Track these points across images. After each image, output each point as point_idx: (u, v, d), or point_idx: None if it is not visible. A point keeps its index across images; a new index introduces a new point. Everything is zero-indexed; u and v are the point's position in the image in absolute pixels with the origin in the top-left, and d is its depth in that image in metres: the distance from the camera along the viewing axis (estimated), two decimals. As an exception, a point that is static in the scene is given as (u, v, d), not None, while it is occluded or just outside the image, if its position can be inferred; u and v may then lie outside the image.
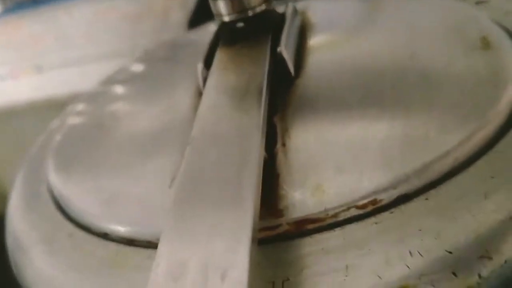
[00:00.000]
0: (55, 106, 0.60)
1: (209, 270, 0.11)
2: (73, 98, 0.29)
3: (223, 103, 0.17)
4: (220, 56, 0.19)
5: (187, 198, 0.13)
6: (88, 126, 0.23)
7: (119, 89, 0.26)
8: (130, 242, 0.16)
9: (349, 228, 0.14)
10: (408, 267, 0.13)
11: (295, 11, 0.22)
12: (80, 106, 0.26)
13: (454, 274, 0.13)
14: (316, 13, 0.25)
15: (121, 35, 0.56)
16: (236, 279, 0.11)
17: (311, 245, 0.14)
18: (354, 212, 0.14)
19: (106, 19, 0.56)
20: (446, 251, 0.13)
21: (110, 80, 0.27)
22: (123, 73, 0.28)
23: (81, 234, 0.17)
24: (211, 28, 0.30)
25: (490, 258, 0.13)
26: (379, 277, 0.13)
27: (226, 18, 0.20)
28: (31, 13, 0.59)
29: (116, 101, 0.25)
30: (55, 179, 0.20)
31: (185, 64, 0.25)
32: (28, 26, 0.59)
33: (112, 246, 0.16)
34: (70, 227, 0.18)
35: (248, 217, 0.12)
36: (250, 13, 0.20)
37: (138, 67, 0.27)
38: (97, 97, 0.26)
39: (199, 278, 0.11)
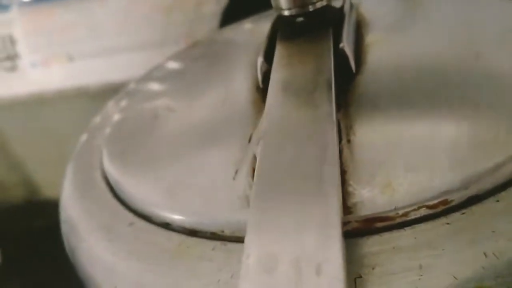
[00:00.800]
0: (85, 95, 0.61)
1: (303, 264, 0.11)
2: (123, 85, 0.29)
3: (291, 98, 0.17)
4: (281, 50, 0.19)
5: (269, 191, 0.13)
6: (141, 115, 0.23)
7: (168, 80, 0.26)
8: (193, 233, 0.16)
9: (420, 227, 0.14)
10: (483, 268, 0.13)
11: (351, 6, 0.22)
12: (131, 94, 0.26)
13: (532, 276, 0.13)
14: (369, 8, 0.25)
15: (153, 26, 0.56)
16: (333, 275, 0.11)
17: (381, 244, 0.14)
18: (424, 212, 0.14)
19: (138, 9, 0.56)
20: (523, 252, 0.13)
21: (158, 71, 0.27)
22: (171, 64, 0.28)
23: (141, 223, 0.18)
24: (246, 26, 0.30)
25: None
26: (455, 278, 0.13)
27: (286, 12, 0.20)
28: (64, 2, 0.59)
29: (168, 91, 0.25)
30: (111, 167, 0.20)
31: (234, 60, 0.25)
32: (60, 15, 0.60)
33: (175, 236, 0.17)
34: (130, 216, 0.18)
35: (335, 212, 0.12)
36: (310, 8, 0.20)
37: (185, 61, 0.28)
38: (148, 86, 0.26)
39: (293, 272, 0.11)
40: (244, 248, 0.12)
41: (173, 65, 0.28)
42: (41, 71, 0.61)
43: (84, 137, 0.25)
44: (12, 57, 0.62)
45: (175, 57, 0.30)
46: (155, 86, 0.26)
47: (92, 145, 0.24)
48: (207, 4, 0.54)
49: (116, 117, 0.24)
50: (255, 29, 0.29)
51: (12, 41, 0.61)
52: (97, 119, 0.26)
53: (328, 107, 0.16)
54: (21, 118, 0.65)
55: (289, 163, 0.14)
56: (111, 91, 0.60)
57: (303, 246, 0.12)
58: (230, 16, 0.51)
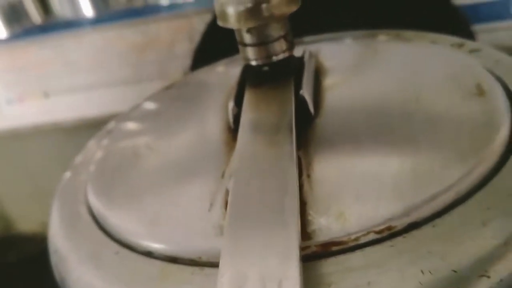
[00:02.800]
0: (60, 131, 0.63)
1: (267, 281, 0.13)
2: (106, 122, 0.31)
3: (258, 138, 0.19)
4: (249, 96, 0.22)
5: (239, 221, 0.16)
6: (122, 153, 0.25)
7: (146, 120, 0.28)
8: (173, 260, 0.18)
9: (369, 250, 0.17)
10: (420, 283, 0.15)
11: (311, 56, 0.25)
12: (112, 133, 0.28)
13: (459, 290, 0.15)
14: (326, 56, 0.27)
15: (127, 64, 0.58)
16: (291, 286, 0.13)
17: (336, 265, 0.16)
18: (372, 236, 0.17)
19: (113, 47, 0.58)
20: (452, 270, 0.15)
21: (136, 111, 0.30)
22: (148, 105, 0.30)
23: (126, 252, 0.20)
24: (218, 69, 0.33)
25: (488, 277, 0.15)
26: (397, 292, 0.15)
27: (253, 63, 0.23)
28: (39, 40, 0.61)
29: (146, 131, 0.27)
30: (96, 201, 0.22)
31: (208, 102, 0.27)
32: (35, 52, 0.61)
33: (157, 263, 0.19)
34: (115, 246, 0.20)
35: (294, 238, 0.15)
36: (274, 58, 0.23)
37: (162, 102, 0.30)
38: (127, 125, 0.28)
39: (259, 286, 0.13)
40: (219, 269, 0.14)
41: (150, 105, 0.31)
42: (16, 107, 0.63)
43: (67, 174, 0.27)
44: (-13, 94, 0.63)
45: (151, 98, 0.32)
46: (134, 126, 0.28)
47: (76, 182, 0.26)
48: (180, 44, 0.56)
49: (99, 155, 0.26)
50: (225, 73, 0.32)
51: (-13, 77, 0.63)
52: (79, 157, 0.28)
53: (289, 146, 0.19)
54: (-5, 152, 0.66)
55: (256, 196, 0.17)
56: (86, 126, 0.62)
57: (268, 266, 0.14)
58: (202, 55, 0.54)
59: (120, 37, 0.59)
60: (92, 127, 0.62)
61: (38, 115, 0.62)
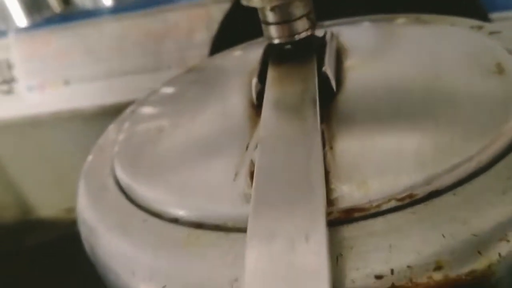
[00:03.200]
0: (79, 118, 0.64)
1: (295, 236, 0.14)
2: (130, 103, 0.32)
3: (283, 113, 0.20)
4: (272, 73, 0.23)
5: (266, 187, 0.16)
6: (146, 130, 0.26)
7: (168, 102, 0.29)
8: (199, 226, 0.19)
9: (390, 216, 0.17)
10: (441, 246, 0.16)
11: (332, 36, 0.25)
12: (133, 116, 0.29)
13: (479, 252, 0.16)
14: (347, 38, 0.28)
15: (146, 52, 0.59)
16: (318, 240, 0.14)
17: (358, 230, 0.17)
18: (394, 203, 0.17)
19: (132, 35, 0.59)
20: (473, 234, 0.16)
21: (156, 95, 0.30)
22: (168, 88, 0.31)
23: (153, 220, 0.20)
24: (236, 53, 0.34)
25: (508, 241, 0.16)
26: (418, 253, 0.16)
27: (276, 41, 0.24)
28: (60, 28, 0.62)
29: (169, 110, 0.28)
30: (124, 173, 0.23)
31: (228, 82, 0.28)
32: (56, 41, 0.62)
33: (184, 229, 0.19)
34: (142, 214, 0.21)
35: (320, 202, 0.15)
36: (297, 37, 0.23)
37: (182, 84, 0.30)
38: (148, 107, 0.29)
39: (287, 241, 0.14)
40: (248, 229, 0.15)
41: (169, 89, 0.31)
42: (37, 95, 0.64)
43: (90, 155, 0.27)
44: (9, 81, 0.64)
45: (170, 82, 0.32)
46: (155, 107, 0.29)
47: (100, 159, 0.26)
48: (198, 32, 0.57)
49: (123, 134, 0.27)
50: (243, 57, 0.32)
51: (9, 65, 0.64)
52: (101, 140, 0.29)
53: (314, 119, 0.19)
54: (16, 140, 0.67)
55: (282, 164, 0.17)
56: (105, 113, 0.64)
57: (295, 225, 0.14)
58: (219, 43, 0.54)
59: (139, 26, 0.59)
60: (111, 114, 0.63)
61: (58, 103, 0.63)
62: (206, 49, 0.56)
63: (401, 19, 0.31)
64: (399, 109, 0.21)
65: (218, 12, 0.56)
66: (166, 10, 0.58)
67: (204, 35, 0.57)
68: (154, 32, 0.59)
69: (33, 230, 0.71)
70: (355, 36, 0.29)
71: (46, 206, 0.71)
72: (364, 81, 0.24)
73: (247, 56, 0.32)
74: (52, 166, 0.68)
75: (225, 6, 0.54)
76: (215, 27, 0.55)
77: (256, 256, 0.14)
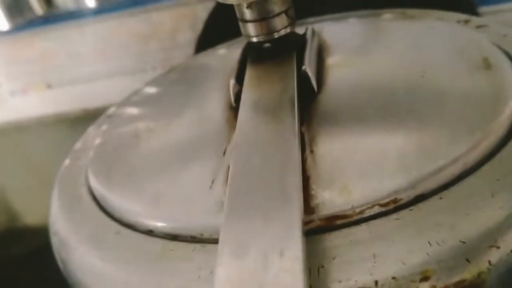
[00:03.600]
0: (64, 122, 0.62)
1: (268, 251, 0.13)
2: (102, 111, 0.31)
3: (260, 114, 0.19)
4: (250, 73, 0.22)
5: (240, 195, 0.15)
6: (123, 135, 0.25)
7: (147, 103, 0.28)
8: (174, 237, 0.18)
9: (374, 223, 0.16)
10: (428, 254, 0.15)
11: (313, 33, 0.24)
12: (112, 118, 0.28)
13: (468, 260, 0.15)
14: (330, 35, 0.27)
15: (130, 53, 0.58)
16: (293, 255, 0.13)
17: (341, 238, 0.16)
18: (377, 209, 0.17)
19: (116, 37, 0.58)
20: (460, 241, 0.15)
21: (136, 96, 0.29)
22: (148, 89, 0.30)
23: (127, 231, 0.19)
24: (218, 52, 0.33)
25: (498, 247, 0.15)
26: (403, 263, 0.15)
27: (254, 39, 0.23)
28: (42, 31, 0.61)
29: (147, 113, 0.27)
30: (97, 183, 0.22)
31: (209, 83, 0.27)
32: (38, 44, 0.61)
33: (158, 241, 0.18)
34: (115, 225, 0.20)
35: (296, 211, 0.14)
36: (276, 35, 0.22)
37: (162, 85, 0.29)
38: (127, 109, 0.28)
39: (260, 257, 0.13)
40: (219, 243, 0.14)
41: (150, 89, 0.30)
42: (20, 99, 0.63)
43: (67, 160, 0.26)
44: (-9, 86, 0.63)
45: (152, 82, 0.31)
46: (134, 109, 0.28)
47: (76, 165, 0.25)
48: (182, 32, 0.56)
49: (99, 138, 0.26)
50: (226, 55, 0.31)
51: (-9, 70, 0.63)
52: (79, 143, 0.28)
53: (291, 121, 0.18)
54: (0, 145, 0.66)
55: (257, 170, 0.16)
56: (90, 117, 0.62)
57: (269, 238, 0.13)
58: (204, 43, 0.53)
59: (123, 26, 0.58)
60: (96, 118, 0.62)
61: (41, 107, 0.62)
62: (191, 49, 0.55)
63: (386, 14, 0.30)
64: (383, 108, 0.20)
65: (203, 12, 0.54)
66: (150, 10, 0.57)
67: (189, 35, 0.56)
68: (138, 33, 0.58)
69: (19, 237, 0.70)
70: (338, 32, 0.28)
71: (32, 213, 0.70)
72: (346, 80, 0.23)
73: (229, 55, 0.31)
74: (37, 171, 0.67)
75: (210, 5, 0.53)
76: (200, 26, 0.54)
77: (226, 274, 0.13)
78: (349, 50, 0.25)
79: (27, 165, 0.67)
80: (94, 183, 0.22)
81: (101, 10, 0.60)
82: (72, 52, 0.60)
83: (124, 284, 0.18)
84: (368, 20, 0.30)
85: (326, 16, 0.32)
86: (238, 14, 0.23)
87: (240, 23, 0.23)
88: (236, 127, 0.19)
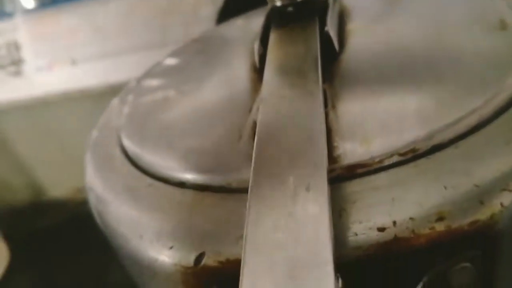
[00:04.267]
0: (88, 97, 0.64)
1: (296, 186, 0.14)
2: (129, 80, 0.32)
3: (285, 73, 0.20)
4: (274, 35, 0.23)
5: (268, 142, 0.16)
6: (151, 99, 0.26)
7: (172, 71, 0.29)
8: (205, 188, 0.19)
9: (393, 171, 0.17)
10: (443, 197, 0.16)
11: (337, -1, 0.25)
12: (136, 88, 0.29)
13: (481, 202, 0.16)
14: (351, 1, 0.28)
15: (153, 28, 0.59)
16: (319, 189, 0.14)
17: (361, 185, 0.17)
18: (396, 158, 0.17)
19: (138, 13, 0.59)
20: (475, 185, 0.16)
21: (159, 67, 0.30)
22: (171, 59, 0.31)
23: (159, 184, 0.21)
24: (239, 22, 0.33)
25: (510, 191, 0.16)
26: (420, 205, 0.16)
27: (278, 3, 0.23)
28: (67, 7, 0.62)
29: (173, 79, 0.28)
30: (130, 141, 0.23)
31: (232, 49, 0.28)
32: (64, 20, 0.62)
33: (189, 192, 0.19)
34: (148, 179, 0.21)
35: (321, 153, 0.15)
36: (298, 0, 0.23)
37: (185, 55, 0.31)
38: (152, 78, 0.29)
39: (289, 192, 0.14)
40: (250, 181, 0.15)
41: (174, 59, 0.31)
42: (45, 75, 0.64)
43: (97, 127, 0.27)
44: (17, 62, 0.65)
45: (174, 53, 0.32)
46: (160, 78, 0.29)
47: (107, 130, 0.27)
48: (204, 7, 0.57)
49: (128, 105, 0.27)
50: (246, 25, 0.32)
51: (16, 46, 0.64)
52: (106, 113, 0.29)
53: (315, 77, 0.19)
54: (26, 121, 0.68)
55: (284, 120, 0.17)
56: (114, 92, 0.63)
57: (296, 175, 0.15)
58: (225, 17, 0.54)
59: (145, 2, 0.59)
60: (119, 92, 0.63)
61: (66, 82, 0.64)
62: (212, 23, 0.56)
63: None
64: (402, 67, 0.21)
65: (223, -14, 0.55)
66: (171, -15, 0.58)
67: (210, 9, 0.56)
68: (160, 8, 0.58)
69: (45, 211, 0.72)
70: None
71: (57, 187, 0.72)
72: (366, 42, 0.23)
73: (251, 24, 0.32)
74: (61, 146, 0.69)
75: (230, -20, 0.54)
76: (220, 1, 0.55)
77: (258, 205, 0.14)
78: (368, 14, 0.26)
79: (52, 140, 0.69)
80: (127, 143, 0.23)
81: (123, -14, 0.61)
82: (96, 28, 0.61)
83: (158, 231, 0.19)
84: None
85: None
86: (262, -20, 0.24)
87: (264, -11, 0.24)
88: (262, 84, 0.20)
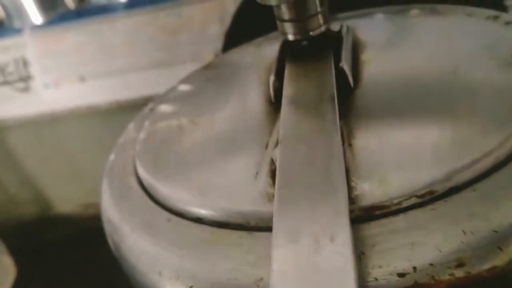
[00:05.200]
0: (96, 114, 0.64)
1: (319, 236, 0.14)
2: (141, 104, 0.32)
3: (301, 109, 0.20)
4: (290, 70, 0.23)
5: (289, 185, 0.17)
6: (167, 128, 0.26)
7: (186, 99, 0.29)
8: (223, 225, 0.19)
9: (411, 213, 0.17)
10: (462, 243, 0.16)
11: (348, 30, 0.25)
12: (152, 113, 0.29)
13: (500, 248, 0.16)
14: (361, 31, 0.28)
15: (160, 46, 0.60)
16: (343, 240, 0.14)
17: (379, 227, 0.17)
18: (414, 200, 0.18)
19: (146, 31, 0.60)
20: (493, 230, 0.16)
21: (173, 92, 0.31)
22: (185, 85, 0.31)
23: (177, 219, 0.21)
24: (251, 49, 0.34)
25: (528, 236, 0.16)
26: (440, 251, 0.16)
27: (291, 37, 0.24)
28: (75, 25, 0.62)
29: (187, 108, 0.28)
30: (146, 173, 0.23)
31: (245, 79, 0.28)
32: (71, 37, 0.63)
33: (207, 228, 0.20)
34: (166, 214, 0.21)
35: (343, 199, 0.15)
36: (313, 33, 0.23)
37: (199, 81, 0.31)
38: (167, 105, 0.29)
39: (313, 241, 0.14)
40: (273, 229, 0.15)
41: (187, 86, 0.31)
42: (53, 92, 0.65)
43: (112, 154, 0.28)
44: (25, 79, 0.65)
45: (187, 79, 0.33)
46: (175, 105, 0.29)
47: (123, 158, 0.27)
48: (211, 26, 0.57)
49: (143, 132, 0.27)
50: (258, 52, 0.32)
51: (25, 63, 0.65)
52: (122, 138, 0.29)
53: (332, 116, 0.19)
54: (34, 136, 0.68)
55: (303, 163, 0.17)
56: (121, 109, 0.64)
57: (319, 224, 0.15)
58: (233, 37, 0.54)
59: (153, 20, 0.60)
60: (127, 109, 0.64)
61: (74, 99, 0.64)
62: (220, 43, 0.56)
63: (415, 10, 0.31)
64: (417, 103, 0.21)
65: (231, 5, 0.56)
66: (180, 4, 0.58)
67: (218, 29, 0.57)
68: (168, 26, 0.59)
69: (52, 226, 0.73)
70: (370, 28, 0.29)
71: (64, 202, 0.72)
72: (381, 76, 0.24)
73: (262, 52, 0.32)
74: (69, 161, 0.69)
75: (238, -1, 0.54)
76: (228, 20, 0.55)
77: (282, 256, 0.14)
78: (381, 46, 0.26)
79: (60, 155, 0.69)
80: (143, 173, 0.24)
81: (131, 4, 0.61)
82: (104, 46, 0.62)
83: (178, 269, 0.19)
84: (397, 16, 0.31)
85: (356, 12, 0.33)
86: (276, 13, 0.24)
87: (278, 22, 0.24)
88: (280, 122, 0.20)
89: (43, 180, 0.72)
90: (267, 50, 0.31)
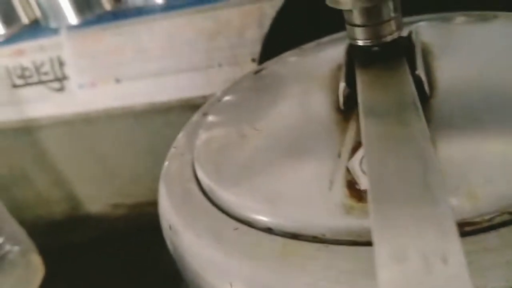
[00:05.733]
0: (129, 115, 0.64)
1: (429, 256, 0.13)
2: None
3: (382, 118, 0.19)
4: (362, 76, 0.22)
5: (384, 199, 0.16)
6: (227, 134, 0.25)
7: (244, 103, 0.28)
8: (295, 236, 0.19)
9: (503, 230, 0.16)
10: None
11: (417, 36, 0.25)
12: (210, 116, 0.28)
13: None
14: (428, 37, 0.27)
15: (197, 50, 0.59)
16: (458, 263, 0.13)
17: (472, 244, 0.16)
18: (507, 217, 0.17)
19: (183, 34, 0.59)
20: None
21: (229, 95, 0.30)
22: (241, 88, 0.30)
23: (245, 228, 0.20)
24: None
25: None
26: (539, 271, 0.15)
27: (361, 43, 0.23)
28: (111, 26, 0.62)
29: (242, 113, 0.27)
30: (207, 178, 0.23)
31: (304, 84, 0.27)
32: (107, 38, 0.63)
33: (278, 239, 0.19)
34: (232, 222, 0.20)
35: (448, 213, 0.14)
36: (384, 39, 0.23)
37: (255, 85, 0.30)
38: (225, 106, 0.28)
39: (422, 262, 0.13)
40: (374, 247, 0.14)
41: (232, 95, 0.30)
42: (88, 92, 0.64)
43: (167, 161, 0.27)
44: (61, 79, 0.65)
45: (238, 84, 0.32)
46: (229, 110, 0.29)
47: (179, 163, 0.26)
48: (249, 29, 0.57)
49: (200, 137, 0.26)
50: (313, 58, 0.31)
51: (60, 63, 0.65)
52: (175, 145, 0.28)
53: (420, 125, 0.18)
54: (67, 136, 0.68)
55: (396, 174, 0.16)
56: (155, 111, 0.64)
57: (426, 242, 0.14)
58: (271, 41, 0.54)
59: (190, 23, 0.59)
60: (161, 112, 0.63)
61: (109, 100, 0.64)
62: (257, 47, 0.55)
63: (477, 17, 0.30)
64: (497, 111, 0.20)
65: (270, 9, 0.55)
66: (218, 7, 0.58)
67: (256, 33, 0.56)
68: (205, 30, 0.58)
69: (81, 225, 0.72)
70: (435, 35, 0.28)
71: (94, 202, 0.72)
72: (455, 83, 0.23)
73: (317, 58, 0.31)
74: (100, 162, 0.69)
75: (278, 3, 0.53)
76: (267, 24, 0.54)
77: (389, 276, 0.13)
78: (450, 52, 0.25)
79: (91, 155, 0.69)
80: (204, 179, 0.23)
81: (169, 7, 0.61)
82: (140, 48, 0.61)
83: (249, 280, 0.18)
84: (461, 22, 0.30)
85: (415, 17, 0.32)
86: (346, 17, 0.23)
87: (347, 26, 0.23)
88: (362, 132, 0.19)
89: (74, 180, 0.72)
90: (322, 56, 0.31)
